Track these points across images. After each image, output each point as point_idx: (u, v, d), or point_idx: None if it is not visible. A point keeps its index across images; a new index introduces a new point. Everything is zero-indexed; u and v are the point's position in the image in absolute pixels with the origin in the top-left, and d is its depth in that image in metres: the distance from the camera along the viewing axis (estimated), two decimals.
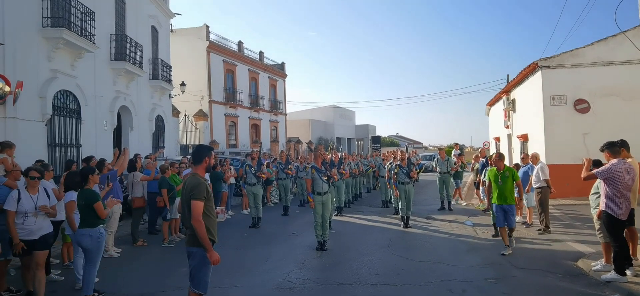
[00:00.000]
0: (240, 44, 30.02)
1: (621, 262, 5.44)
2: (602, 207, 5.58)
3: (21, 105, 9.68)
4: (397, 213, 11.00)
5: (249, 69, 30.45)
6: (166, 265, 7.08)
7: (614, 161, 5.48)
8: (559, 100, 13.40)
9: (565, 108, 13.36)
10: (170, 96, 19.85)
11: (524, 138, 15.74)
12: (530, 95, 14.97)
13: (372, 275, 6.15)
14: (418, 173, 13.16)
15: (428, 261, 6.91)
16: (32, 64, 10.30)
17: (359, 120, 52.61)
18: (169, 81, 18.73)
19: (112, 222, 7.77)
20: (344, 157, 13.37)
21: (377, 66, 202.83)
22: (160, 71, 17.77)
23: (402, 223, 9.93)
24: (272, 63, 35.31)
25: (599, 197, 5.83)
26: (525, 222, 9.52)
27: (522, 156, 10.36)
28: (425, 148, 70.80)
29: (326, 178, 7.88)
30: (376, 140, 45.61)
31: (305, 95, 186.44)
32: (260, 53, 32.95)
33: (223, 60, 27.22)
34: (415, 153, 23.42)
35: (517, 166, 10.15)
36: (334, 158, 11.44)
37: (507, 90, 18.66)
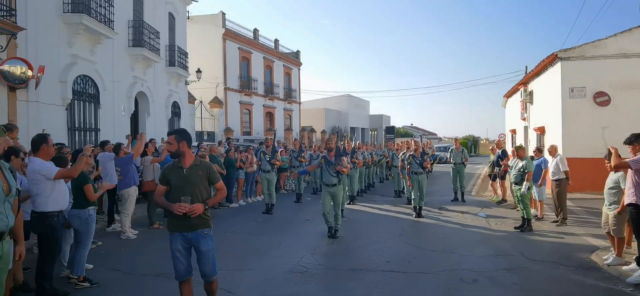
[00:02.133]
0: (255, 31, 30.06)
1: None
2: (631, 199, 5.25)
3: (42, 89, 9.92)
4: (409, 203, 10.93)
5: (264, 57, 30.50)
6: None
7: None
8: (578, 92, 13.16)
9: (584, 101, 13.11)
10: (187, 83, 20.04)
11: (541, 131, 15.51)
12: (548, 87, 14.73)
13: (383, 263, 6.20)
14: (432, 164, 13.07)
15: (439, 250, 6.93)
16: (52, 49, 10.51)
17: (374, 110, 52.43)
18: (185, 68, 18.91)
19: (128, 204, 7.96)
20: (357, 146, 13.37)
21: (392, 56, 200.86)
22: (177, 58, 17.94)
23: (415, 213, 9.89)
24: (287, 51, 35.29)
25: (617, 192, 5.74)
26: (536, 216, 9.36)
27: (534, 149, 10.12)
28: (440, 139, 70.24)
29: (335, 172, 7.66)
30: (390, 130, 45.41)
31: (319, 84, 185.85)
32: (276, 41, 32.96)
33: (238, 48, 27.31)
34: (430, 144, 23.20)
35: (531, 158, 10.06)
36: (347, 147, 11.47)
37: (524, 82, 18.38)
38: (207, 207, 3.83)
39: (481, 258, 6.48)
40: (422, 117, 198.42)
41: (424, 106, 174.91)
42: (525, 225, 8.40)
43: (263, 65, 30.43)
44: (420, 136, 12.43)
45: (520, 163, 8.77)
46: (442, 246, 7.20)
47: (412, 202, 10.19)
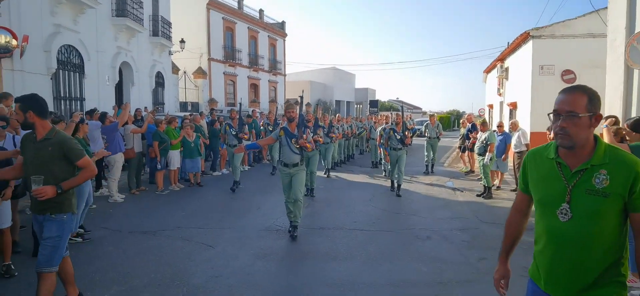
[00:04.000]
0: (240, 1, 29.94)
1: None
2: None
3: (27, 59, 10.16)
4: (386, 175, 11.11)
5: (248, 28, 30.50)
6: (164, 208, 7.74)
7: None
8: (548, 70, 13.82)
9: (553, 78, 13.77)
10: (170, 53, 20.19)
11: (514, 106, 16.23)
12: (521, 64, 15.36)
13: (350, 222, 6.85)
14: (412, 137, 12.89)
15: (403, 213, 7.60)
16: (36, 18, 10.69)
17: (360, 84, 52.78)
18: (169, 38, 19.04)
19: (115, 170, 8.41)
20: (337, 119, 13.87)
21: (379, 30, 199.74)
22: (161, 28, 18.06)
23: (392, 190, 9.58)
24: (272, 22, 35.24)
25: None
26: (496, 185, 10.01)
27: (497, 124, 10.55)
28: (424, 113, 71.10)
29: (298, 147, 5.96)
30: (374, 103, 45.90)
31: (305, 57, 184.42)
32: (261, 11, 32.87)
33: (222, 18, 27.28)
34: (410, 117, 23.79)
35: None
36: (324, 122, 11.39)
37: (501, 58, 18.99)
38: (60, 191, 3.25)
39: (439, 219, 7.16)
40: (408, 91, 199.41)
41: (410, 80, 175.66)
42: (485, 192, 9.16)
43: (248, 35, 30.45)
44: (402, 107, 11.91)
45: (484, 136, 9.45)
46: (406, 209, 7.87)
47: (389, 175, 9.91)
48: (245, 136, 10.66)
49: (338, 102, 44.61)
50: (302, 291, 4.17)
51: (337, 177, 11.90)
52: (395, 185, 9.42)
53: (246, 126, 11.21)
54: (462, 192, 9.83)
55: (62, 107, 11.92)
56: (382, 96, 79.26)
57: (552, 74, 13.74)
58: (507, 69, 18.03)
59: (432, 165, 13.03)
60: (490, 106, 23.88)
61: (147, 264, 4.91)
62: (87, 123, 6.75)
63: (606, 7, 8.86)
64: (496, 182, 10.16)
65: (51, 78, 11.33)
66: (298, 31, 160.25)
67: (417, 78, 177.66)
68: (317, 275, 4.61)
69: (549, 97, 13.50)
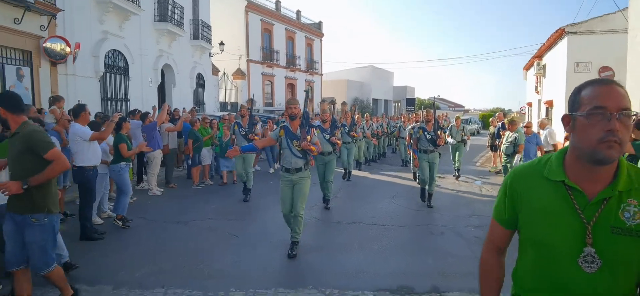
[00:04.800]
0: (277, 3, 30.69)
1: None
2: None
3: (79, 64, 11.13)
4: (415, 179, 10.30)
5: (286, 29, 31.19)
6: (197, 202, 8.33)
7: None
8: (584, 67, 13.46)
9: (589, 76, 13.37)
10: (210, 55, 21.08)
11: (550, 104, 15.87)
12: (557, 61, 15.01)
13: (369, 218, 7.14)
14: (445, 136, 11.35)
15: (423, 210, 7.79)
16: (86, 27, 11.66)
17: (399, 82, 52.44)
18: (209, 41, 19.91)
19: (154, 165, 9.11)
20: (364, 118, 14.00)
21: (418, 27, 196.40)
22: (201, 31, 18.93)
23: (422, 198, 8.26)
24: (309, 22, 35.79)
25: None
26: None
27: (525, 125, 9.92)
28: (467, 111, 69.53)
29: (299, 148, 5.07)
30: (410, 102, 45.53)
31: (342, 56, 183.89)
32: (298, 12, 33.50)
33: (260, 20, 28.09)
34: (446, 116, 23.30)
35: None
36: (345, 119, 10.80)
37: (539, 55, 18.54)
38: (26, 186, 3.16)
39: (457, 216, 7.31)
40: (450, 88, 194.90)
41: (452, 78, 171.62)
42: None
43: (285, 36, 31.14)
44: (433, 102, 10.95)
45: (512, 136, 9.30)
46: (426, 206, 8.05)
47: (419, 182, 8.49)
48: (257, 137, 8.98)
49: (376, 101, 44.58)
50: (309, 278, 4.53)
51: (365, 174, 12.16)
52: (426, 194, 8.09)
53: (258, 125, 10.15)
54: (488, 190, 9.84)
55: (109, 108, 12.90)
56: (423, 94, 78.25)
57: (588, 71, 13.38)
58: (544, 66, 17.61)
59: (458, 171, 11.80)
60: (530, 104, 23.31)
61: (177, 250, 5.45)
62: (129, 122, 7.43)
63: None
64: None
65: (99, 81, 12.30)
66: (335, 30, 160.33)
67: (458, 75, 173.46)
68: (326, 265, 4.95)
69: None
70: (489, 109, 66.36)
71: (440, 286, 4.28)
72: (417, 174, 8.86)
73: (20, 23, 9.15)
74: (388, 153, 17.09)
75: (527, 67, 24.07)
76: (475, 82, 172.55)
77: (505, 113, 62.58)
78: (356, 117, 12.94)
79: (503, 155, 9.69)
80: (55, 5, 10.17)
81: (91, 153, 5.75)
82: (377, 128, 14.97)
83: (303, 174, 5.20)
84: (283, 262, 5.06)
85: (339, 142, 7.66)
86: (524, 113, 27.57)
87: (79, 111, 5.72)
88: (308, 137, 5.10)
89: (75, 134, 5.66)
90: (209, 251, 5.41)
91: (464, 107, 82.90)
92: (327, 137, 7.73)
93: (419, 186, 8.65)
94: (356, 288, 4.21)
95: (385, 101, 48.33)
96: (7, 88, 8.99)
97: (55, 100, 7.86)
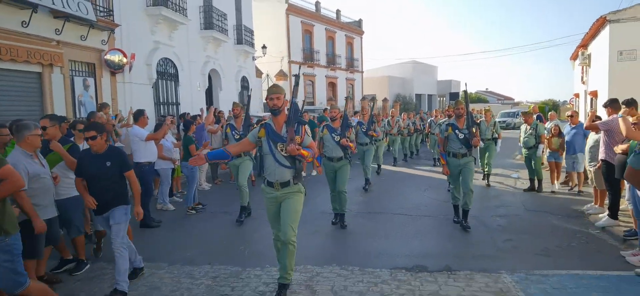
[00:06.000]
0: (317, 3, 31.37)
1: (615, 208, 6.20)
2: (602, 156, 6.24)
3: (134, 72, 12.27)
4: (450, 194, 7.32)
5: (326, 28, 31.82)
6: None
7: (614, 115, 6.17)
8: (628, 55, 13.05)
9: (634, 64, 12.99)
10: (253, 58, 22.07)
11: (594, 95, 15.45)
12: (600, 50, 14.60)
13: (396, 208, 7.59)
14: (477, 132, 7.70)
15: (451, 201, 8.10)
16: (140, 38, 12.79)
17: (443, 76, 51.72)
18: (252, 45, 20.88)
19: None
20: (390, 114, 13.38)
21: (461, 19, 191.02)
22: (244, 36, 19.91)
23: (458, 218, 6.48)
24: (349, 21, 36.23)
25: (596, 150, 6.55)
26: (578, 189, 8.59)
27: (569, 114, 8.88)
28: (516, 104, 67.10)
29: (286, 154, 3.84)
30: (454, 96, 44.70)
31: (383, 52, 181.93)
32: (337, 11, 34.03)
33: (301, 22, 28.89)
34: (481, 111, 21.17)
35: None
36: (362, 116, 10.24)
37: (583, 44, 18.00)
38: None
39: (485, 207, 7.59)
40: (498, 81, 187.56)
41: (499, 69, 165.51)
42: (534, 186, 8.83)
43: (325, 36, 31.78)
44: (465, 90, 6.63)
45: (529, 128, 8.95)
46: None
47: (452, 198, 6.58)
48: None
49: (418, 96, 44.32)
50: (334, 258, 5.08)
51: (399, 170, 12.52)
52: (460, 209, 6.38)
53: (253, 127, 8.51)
54: (523, 184, 9.91)
55: (161, 111, 14.04)
56: (470, 88, 76.03)
57: (633, 59, 12.97)
58: (588, 56, 17.09)
59: (488, 176, 9.95)
60: (577, 95, 22.55)
61: (222, 235, 6.21)
62: (194, 125, 8.30)
63: None
64: (568, 184, 8.99)
65: (152, 87, 13.44)
66: (376, 27, 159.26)
67: (507, 66, 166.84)
68: (351, 248, 5.49)
69: (629, 85, 12.81)
70: (541, 101, 63.59)
71: (452, 266, 4.70)
72: (451, 185, 6.85)
73: (85, 39, 10.31)
74: (421, 151, 16.45)
75: (573, 57, 23.26)
76: (525, 73, 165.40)
77: (555, 104, 59.52)
78: (391, 111, 13.20)
79: (523, 149, 9.23)
80: (114, 21, 11.31)
81: (147, 151, 6.62)
82: (409, 125, 14.53)
83: (291, 189, 3.93)
84: (312, 245, 5.64)
85: (351, 144, 6.30)
86: (572, 104, 26.57)
87: (138, 115, 6.64)
88: (297, 138, 3.79)
89: (134, 135, 6.56)
90: (249, 236, 6.11)
91: (513, 99, 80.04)
92: (337, 138, 6.32)
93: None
94: (375, 266, 4.72)
95: (429, 96, 47.87)
96: (77, 98, 10.19)
97: (103, 106, 8.88)
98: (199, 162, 3.96)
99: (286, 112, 3.92)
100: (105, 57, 11.00)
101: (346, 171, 6.47)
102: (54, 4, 8.99)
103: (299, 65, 5.42)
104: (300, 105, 7.38)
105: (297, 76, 4.25)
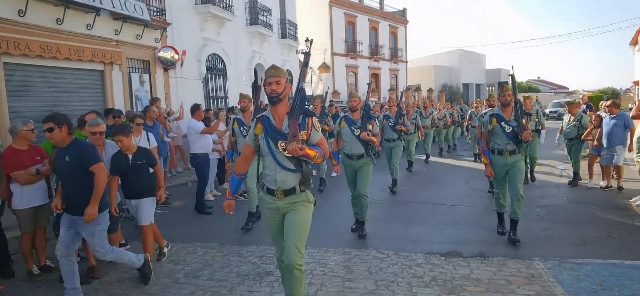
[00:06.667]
0: None
1: None
2: None
3: (185, 68, 13.02)
4: (491, 190, 7.49)
5: (369, 19, 31.76)
6: None
7: None
8: None
9: None
10: (297, 52, 22.55)
11: None
12: None
13: (437, 198, 7.72)
14: (528, 123, 6.61)
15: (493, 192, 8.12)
16: (190, 35, 13.53)
17: (492, 64, 50.15)
18: (295, 38, 21.34)
19: None
20: (414, 106, 12.14)
21: (509, 6, 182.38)
22: (288, 30, 20.41)
23: (502, 229, 5.51)
24: (392, 10, 35.92)
25: None
26: (620, 186, 7.88)
27: (608, 104, 8.02)
28: (571, 93, 63.84)
29: (289, 155, 2.98)
30: (502, 85, 43.16)
31: (429, 41, 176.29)
32: (381, 1, 33.83)
33: (344, 13, 29.03)
34: (537, 99, 19.31)
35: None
36: (389, 108, 9.15)
37: None
38: None
39: (527, 198, 7.44)
40: (551, 69, 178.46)
41: (552, 57, 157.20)
42: (574, 179, 8.44)
43: (368, 27, 31.75)
44: (512, 74, 5.41)
45: (573, 119, 8.55)
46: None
47: (496, 205, 5.61)
48: None
49: (466, 86, 43.29)
50: (371, 243, 5.35)
51: (443, 161, 12.50)
52: (508, 219, 5.34)
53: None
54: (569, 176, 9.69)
55: (211, 105, 14.78)
56: (521, 76, 73.32)
57: None
58: None
59: (532, 173, 9.04)
60: (637, 83, 21.33)
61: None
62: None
63: None
64: (605, 182, 8.09)
65: (202, 82, 14.18)
66: (421, 15, 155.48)
67: (560, 54, 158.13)
68: (388, 234, 5.72)
69: None
70: (599, 90, 59.97)
71: (485, 252, 4.84)
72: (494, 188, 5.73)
73: (141, 38, 11.10)
74: (462, 142, 15.83)
75: (634, 42, 21.99)
76: (580, 61, 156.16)
77: (614, 92, 55.79)
78: (425, 102, 12.91)
79: (565, 140, 8.79)
80: (166, 20, 12.05)
81: (203, 143, 7.17)
82: (445, 115, 13.50)
83: (296, 198, 3.18)
84: (348, 230, 5.93)
85: (374, 139, 5.38)
86: (633, 93, 25.09)
87: (194, 109, 7.23)
88: (303, 134, 3.02)
89: (191, 128, 7.12)
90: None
91: (567, 88, 76.16)
92: (357, 132, 5.43)
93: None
94: (410, 251, 4.95)
95: (477, 85, 46.61)
96: (133, 93, 11.01)
97: (154, 101, 9.55)
98: (227, 210, 3.57)
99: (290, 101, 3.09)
100: (158, 54, 11.77)
101: (368, 171, 5.54)
102: (113, 6, 9.77)
103: (310, 41, 4.61)
104: (326, 98, 7.32)
105: (306, 54, 3.22)
